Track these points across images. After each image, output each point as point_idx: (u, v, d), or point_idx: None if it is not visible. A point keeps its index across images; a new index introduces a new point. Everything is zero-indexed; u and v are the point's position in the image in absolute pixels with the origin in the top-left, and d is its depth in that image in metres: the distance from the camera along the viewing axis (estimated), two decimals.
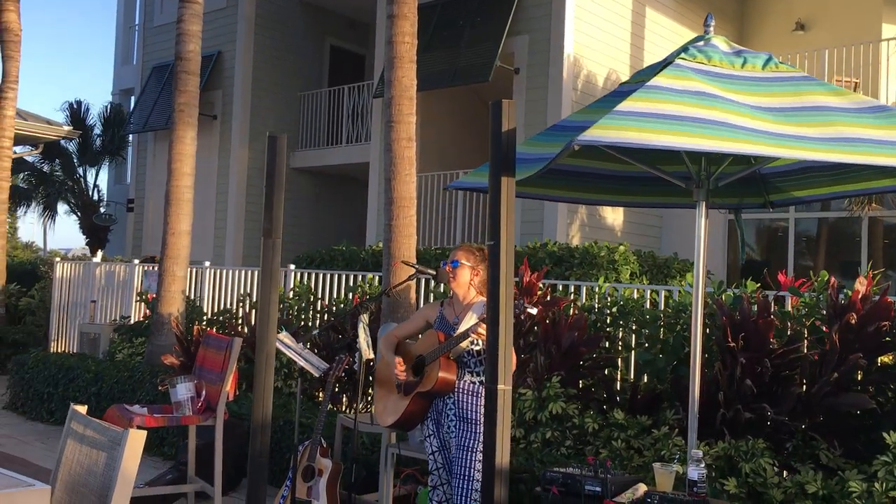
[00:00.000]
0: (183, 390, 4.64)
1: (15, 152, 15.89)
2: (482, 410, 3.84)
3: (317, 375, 4.00)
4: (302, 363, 3.93)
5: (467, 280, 3.96)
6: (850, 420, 5.03)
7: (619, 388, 6.29)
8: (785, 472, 4.99)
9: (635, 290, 6.76)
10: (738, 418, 5.12)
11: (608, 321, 6.40)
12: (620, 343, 6.40)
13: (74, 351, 10.39)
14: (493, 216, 3.05)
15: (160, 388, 5.62)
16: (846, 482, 4.32)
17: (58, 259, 12.13)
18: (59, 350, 11.15)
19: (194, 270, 10.21)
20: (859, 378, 5.07)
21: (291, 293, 8.30)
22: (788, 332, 5.46)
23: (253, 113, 14.48)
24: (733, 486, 4.59)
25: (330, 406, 5.60)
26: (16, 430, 7.57)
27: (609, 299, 6.50)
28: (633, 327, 6.30)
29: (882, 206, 11.34)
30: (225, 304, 9.64)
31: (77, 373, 7.71)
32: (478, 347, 3.79)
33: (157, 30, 16.28)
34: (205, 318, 9.42)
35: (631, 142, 2.67)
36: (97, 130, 19.44)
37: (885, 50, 11.53)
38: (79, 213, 19.57)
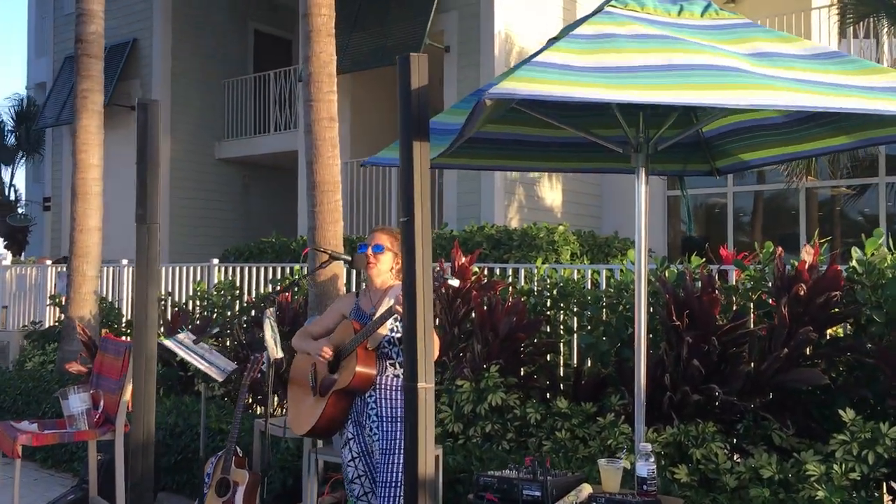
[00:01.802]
0: (76, 402, 4.14)
1: None
2: None
3: (218, 380, 3.57)
4: (201, 366, 3.49)
5: (389, 266, 3.55)
6: (802, 397, 4.77)
7: (562, 374, 5.97)
8: (737, 456, 4.71)
9: (575, 271, 6.45)
10: (685, 401, 4.83)
11: (548, 304, 6.07)
12: (562, 327, 6.07)
13: None
14: (405, 188, 2.64)
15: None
16: (803, 465, 4.05)
17: None
18: None
19: (112, 270, 9.61)
20: (809, 353, 4.81)
21: (215, 290, 7.78)
22: (734, 308, 5.19)
23: (174, 102, 13.80)
24: (684, 475, 4.30)
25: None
26: None
27: (548, 281, 6.16)
28: (575, 310, 5.97)
29: (818, 178, 11.27)
30: None
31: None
32: (399, 335, 3.39)
33: (68, 18, 15.37)
34: (123, 320, 8.84)
35: (548, 94, 2.30)
36: (10, 126, 18.47)
37: (817, 19, 11.44)
38: None
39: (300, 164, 12.21)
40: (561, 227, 8.95)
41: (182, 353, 3.54)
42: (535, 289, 6.20)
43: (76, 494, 4.63)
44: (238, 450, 4.25)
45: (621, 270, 5.79)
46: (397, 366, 3.48)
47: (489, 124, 3.45)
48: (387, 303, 3.44)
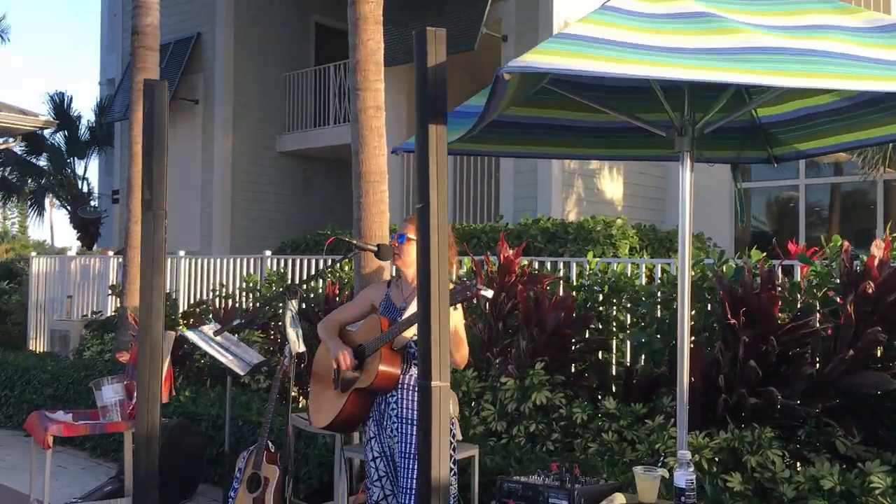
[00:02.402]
0: (109, 393, 4.09)
1: None
2: None
3: (241, 374, 3.46)
4: (223, 359, 3.38)
5: (415, 256, 3.37)
6: (870, 402, 4.43)
7: (614, 373, 5.72)
8: (798, 464, 4.40)
9: (629, 265, 6.17)
10: (742, 404, 4.54)
11: (600, 300, 5.82)
12: (615, 324, 5.82)
13: (45, 349, 9.90)
14: (420, 172, 2.47)
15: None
16: (867, 475, 3.74)
17: (33, 254, 11.63)
18: (38, 349, 10.67)
19: (169, 260, 9.68)
20: (879, 355, 4.47)
21: (266, 282, 7.74)
22: (798, 306, 4.87)
23: (236, 95, 13.89)
24: (738, 483, 4.02)
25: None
26: None
27: (600, 276, 5.91)
28: (628, 306, 5.71)
29: None
30: (203, 295, 9.10)
31: (33, 374, 7.20)
32: None
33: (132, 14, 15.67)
34: (179, 310, 8.89)
35: (570, 68, 2.08)
36: (89, 121, 18.95)
37: None
38: (68, 207, 19.10)
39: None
40: (619, 221, 8.65)
41: (204, 346, 3.44)
42: (587, 283, 5.96)
43: (113, 486, 4.61)
44: (270, 445, 4.15)
45: (676, 265, 5.49)
46: None
47: (519, 107, 3.24)
48: (416, 305, 3.28)
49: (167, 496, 5.15)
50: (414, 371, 3.30)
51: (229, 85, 13.88)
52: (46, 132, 18.44)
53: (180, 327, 3.76)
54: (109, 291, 9.63)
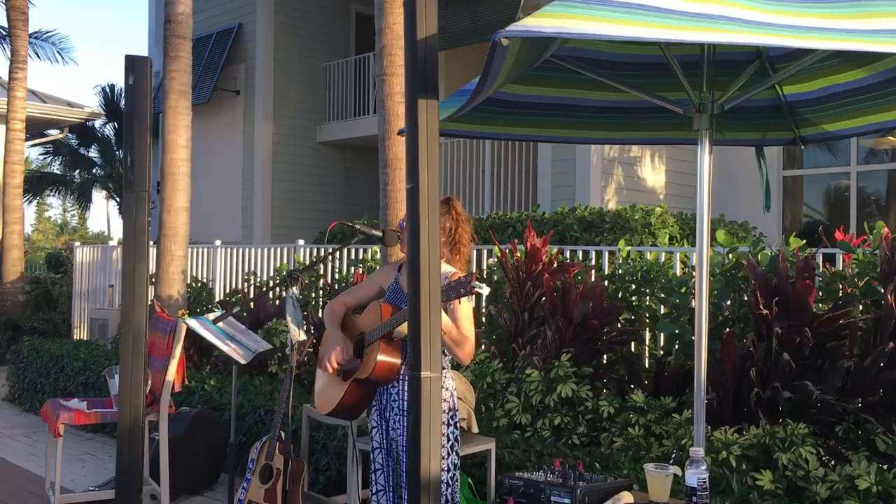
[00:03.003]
0: None
1: (47, 134, 15.67)
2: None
3: (242, 362, 3.37)
4: (223, 347, 3.30)
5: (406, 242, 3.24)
6: None
7: (647, 365, 5.54)
8: (835, 463, 4.18)
9: (662, 254, 5.96)
10: (776, 399, 4.33)
11: (632, 290, 5.63)
12: (647, 314, 5.62)
13: (85, 338, 10.03)
14: (410, 151, 2.33)
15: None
16: None
17: (77, 244, 11.80)
18: (81, 338, 10.82)
19: (205, 250, 9.72)
20: None
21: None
22: (840, 295, 4.62)
23: (276, 86, 13.90)
24: (768, 482, 3.82)
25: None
26: (7, 423, 7.17)
27: (633, 265, 5.71)
28: (661, 296, 5.51)
29: None
30: (238, 284, 9.12)
31: (66, 362, 7.26)
32: None
33: None
34: (216, 299, 8.92)
35: (572, 31, 1.92)
36: None
37: None
38: (117, 199, 19.40)
39: None
40: (658, 209, 8.41)
41: (204, 333, 3.37)
42: (619, 272, 5.77)
43: None
44: (283, 435, 4.06)
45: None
46: None
47: (522, 85, 3.08)
48: None
49: (189, 484, 5.13)
50: None
51: (269, 75, 13.90)
52: (98, 124, 18.76)
53: (182, 315, 3.70)
54: (150, 280, 9.69)
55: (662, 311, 5.52)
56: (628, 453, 4.34)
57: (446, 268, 3.21)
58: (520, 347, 5.41)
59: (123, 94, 2.50)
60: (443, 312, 2.98)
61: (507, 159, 10.83)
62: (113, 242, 11.52)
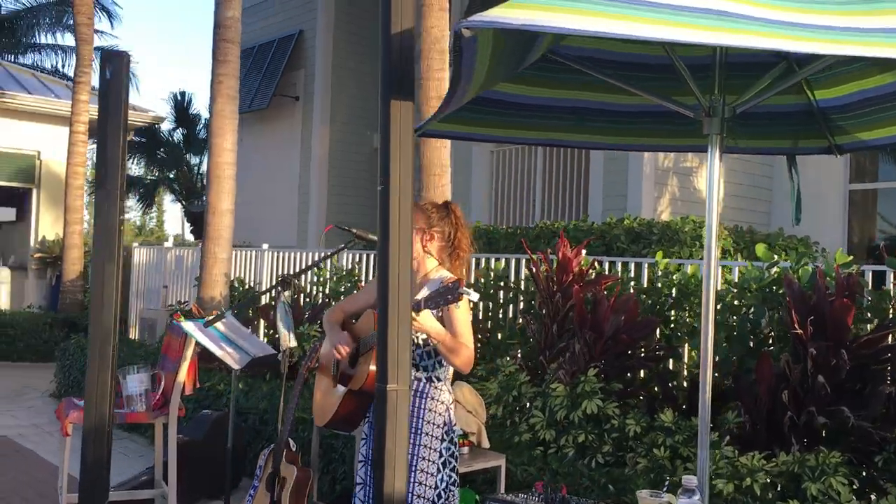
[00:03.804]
0: (134, 383, 4.04)
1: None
2: (427, 416, 3.03)
3: (235, 367, 3.30)
4: (218, 352, 3.24)
5: (419, 247, 3.13)
6: None
7: (682, 383, 5.30)
8: (876, 496, 3.90)
9: (702, 267, 5.70)
10: (811, 423, 4.07)
11: (669, 304, 5.40)
12: (685, 330, 5.38)
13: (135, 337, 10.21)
14: (382, 151, 2.22)
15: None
16: None
17: (135, 244, 12.05)
18: (136, 337, 11.02)
19: (252, 253, 9.79)
20: None
21: (335, 276, 7.67)
22: (891, 315, 4.34)
23: (334, 92, 13.98)
24: None
25: None
26: (47, 419, 7.30)
27: (671, 278, 5.49)
28: (698, 311, 5.27)
29: None
30: None
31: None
32: (424, 336, 2.96)
33: (248, 11, 16.05)
34: (262, 303, 8.95)
35: (543, 24, 1.77)
36: (206, 119, 19.66)
37: None
38: (183, 202, 19.83)
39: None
40: None
41: (199, 337, 3.33)
42: (657, 286, 5.55)
43: (148, 475, 4.58)
44: (291, 443, 3.99)
45: (746, 267, 5.02)
46: (420, 368, 3.05)
47: (521, 85, 2.93)
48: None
49: (209, 488, 5.10)
50: (413, 373, 3.05)
51: (327, 81, 14.00)
52: (167, 130, 19.24)
53: (178, 318, 3.66)
54: (195, 283, 9.81)
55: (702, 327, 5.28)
56: (650, 476, 4.14)
57: (445, 273, 3.09)
58: (548, 361, 5.24)
59: (102, 90, 2.45)
60: (435, 320, 2.86)
61: (559, 168, 10.64)
62: (168, 244, 11.72)
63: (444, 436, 3.03)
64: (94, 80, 13.23)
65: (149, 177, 20.14)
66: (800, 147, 3.38)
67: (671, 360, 5.29)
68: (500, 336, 6.47)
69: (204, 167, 23.35)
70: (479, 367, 5.83)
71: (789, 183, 3.28)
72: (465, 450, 3.81)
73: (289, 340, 3.13)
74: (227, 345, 3.43)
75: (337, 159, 13.92)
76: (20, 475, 5.46)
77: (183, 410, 4.17)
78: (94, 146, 16.66)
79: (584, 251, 6.17)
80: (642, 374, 5.33)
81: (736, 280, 5.25)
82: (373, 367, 2.94)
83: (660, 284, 5.53)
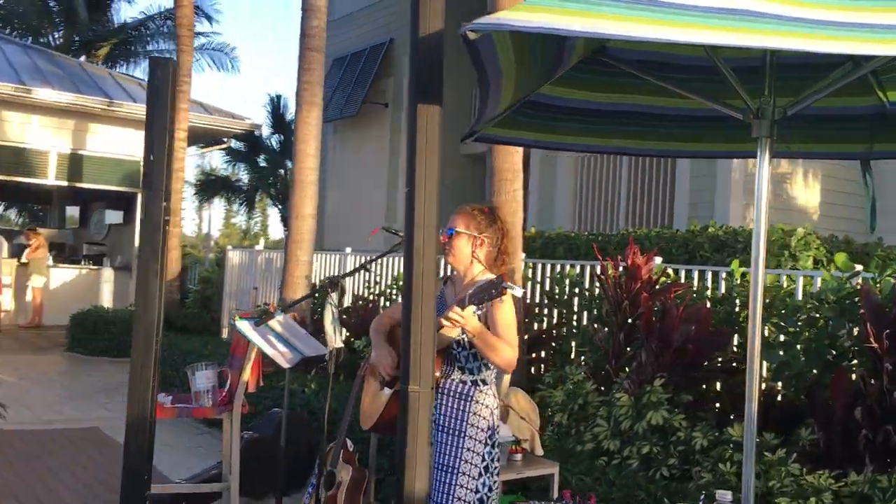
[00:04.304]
0: (201, 379, 4.19)
1: (221, 142, 16.65)
2: (471, 420, 3.02)
3: (284, 366, 3.37)
4: (268, 351, 3.32)
5: (468, 252, 3.13)
6: None
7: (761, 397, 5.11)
8: None
9: (784, 277, 5.49)
10: (888, 443, 3.86)
11: (744, 314, 5.22)
12: (762, 342, 5.19)
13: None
14: (409, 155, 2.24)
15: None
16: None
17: (229, 247, 12.46)
18: (228, 336, 11.39)
19: (336, 257, 9.99)
20: None
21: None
22: None
23: None
24: None
25: None
26: None
27: (746, 287, 5.30)
28: (777, 322, 5.08)
29: None
30: (365, 291, 9.29)
31: (193, 358, 7.64)
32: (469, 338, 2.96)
33: (336, 23, 16.38)
34: (344, 305, 9.12)
35: (550, 26, 1.75)
36: None
37: None
38: (280, 206, 20.39)
39: (532, 158, 11.94)
40: (800, 230, 7.77)
41: (251, 336, 3.41)
42: (732, 295, 5.38)
43: (218, 469, 4.72)
44: (349, 443, 4.05)
45: (823, 278, 4.81)
46: (465, 371, 3.05)
47: (565, 88, 2.88)
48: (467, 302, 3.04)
49: (278, 486, 5.22)
50: (457, 375, 3.05)
51: None
52: (266, 135, 19.84)
53: (234, 318, 3.77)
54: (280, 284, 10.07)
55: (782, 339, 5.09)
56: (711, 491, 4.00)
57: (488, 278, 3.08)
58: (615, 370, 5.15)
59: (146, 95, 2.53)
60: (475, 317, 2.86)
61: (644, 174, 10.43)
62: (259, 247, 12.07)
63: (488, 440, 3.02)
64: (194, 91, 13.83)
65: (250, 182, 20.81)
66: (875, 151, 3.21)
67: (745, 374, 5.10)
68: (573, 344, 6.40)
69: None
70: (546, 375, 5.78)
71: (864, 189, 3.13)
72: (518, 457, 3.78)
73: (335, 340, 3.18)
74: (281, 344, 3.51)
75: None
76: (108, 465, 5.72)
77: (247, 407, 4.30)
78: (196, 153, 17.36)
79: (658, 258, 6.06)
80: (717, 386, 5.18)
81: (797, 290, 5.04)
82: None
83: (734, 294, 5.35)
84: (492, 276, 3.12)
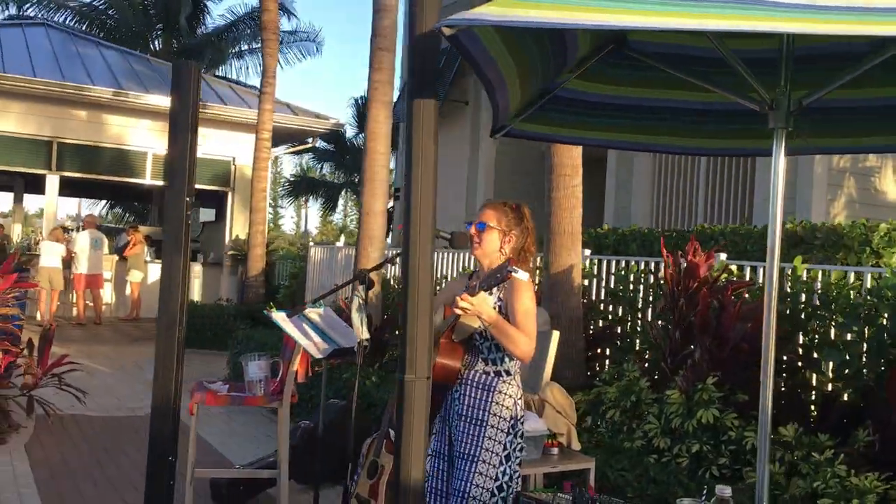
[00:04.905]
0: (254, 369, 4.35)
1: (306, 142, 17.10)
2: (493, 409, 3.05)
3: (316, 356, 3.48)
4: (302, 342, 3.43)
5: (496, 247, 3.16)
6: None
7: (819, 397, 4.95)
8: None
9: (851, 273, 5.29)
10: None
11: (806, 313, 5.07)
12: (826, 341, 5.03)
13: None
14: (407, 151, 2.30)
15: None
16: None
17: (311, 243, 12.78)
18: None
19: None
20: None
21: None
22: None
23: None
24: None
25: None
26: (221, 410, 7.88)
27: (808, 284, 5.14)
28: (840, 320, 4.91)
29: None
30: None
31: (267, 349, 7.89)
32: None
33: None
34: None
35: (526, 20, 1.78)
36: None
37: None
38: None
39: (608, 153, 11.81)
40: (884, 225, 7.45)
41: (285, 326, 3.53)
42: (794, 292, 5.21)
43: (274, 457, 4.89)
44: (391, 433, 4.14)
45: (888, 273, 4.62)
46: (488, 361, 3.08)
47: (586, 82, 2.87)
48: (490, 294, 3.08)
49: (332, 474, 5.37)
50: (479, 365, 3.09)
51: None
52: (349, 135, 20.24)
53: (268, 310, 3.89)
54: None
55: (849, 338, 4.92)
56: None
57: (525, 275, 3.09)
58: (670, 367, 5.08)
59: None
60: (489, 305, 2.89)
61: (723, 169, 10.17)
62: (339, 243, 12.33)
63: (511, 429, 3.05)
64: (278, 91, 14.25)
65: (336, 181, 21.27)
66: None
67: (806, 372, 4.96)
68: (636, 341, 6.33)
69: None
70: (604, 372, 5.74)
71: None
72: (555, 450, 3.79)
73: (362, 333, 3.27)
74: (317, 335, 3.63)
75: (504, 164, 14.06)
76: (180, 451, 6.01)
77: (296, 397, 4.44)
78: (285, 154, 17.86)
79: (722, 255, 5.93)
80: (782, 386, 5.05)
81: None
82: (438, 359, 3.02)
83: (801, 291, 5.19)
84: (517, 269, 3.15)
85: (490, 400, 3.04)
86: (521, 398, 3.13)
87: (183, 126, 2.60)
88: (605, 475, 4.13)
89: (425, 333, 2.29)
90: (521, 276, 2.78)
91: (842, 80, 2.43)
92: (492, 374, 3.08)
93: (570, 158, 6.00)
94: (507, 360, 3.10)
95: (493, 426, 3.02)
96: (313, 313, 3.66)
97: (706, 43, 2.75)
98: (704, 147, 3.41)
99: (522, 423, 3.11)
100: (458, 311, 2.85)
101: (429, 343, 2.30)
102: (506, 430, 3.05)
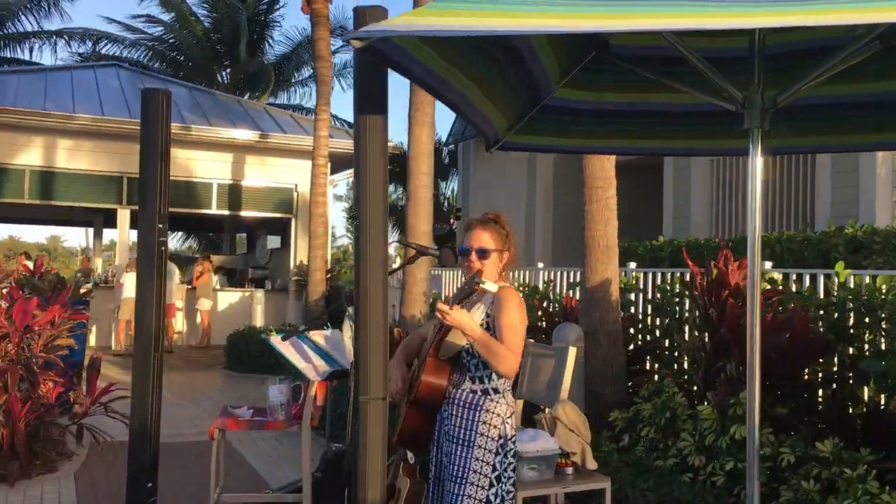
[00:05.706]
0: (275, 393, 4.35)
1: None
2: (480, 429, 2.97)
3: (313, 379, 3.45)
4: (298, 365, 3.41)
5: (497, 269, 3.09)
6: None
7: (864, 410, 4.69)
8: None
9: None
10: None
11: (851, 320, 4.82)
12: (868, 350, 4.77)
13: None
14: (356, 165, 2.28)
15: None
16: None
17: None
18: None
19: (458, 273, 10.08)
20: None
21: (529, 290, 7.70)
22: None
23: None
24: None
25: None
26: None
27: (853, 290, 4.89)
28: (885, 327, 4.65)
29: None
30: None
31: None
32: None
33: None
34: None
35: (437, 29, 1.73)
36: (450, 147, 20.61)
37: None
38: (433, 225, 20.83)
39: (665, 165, 11.56)
40: None
41: (281, 350, 3.52)
42: (842, 299, 4.96)
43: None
44: (409, 456, 4.09)
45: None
46: (475, 380, 3.01)
47: (570, 90, 2.79)
48: (477, 308, 3.02)
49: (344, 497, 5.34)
50: (467, 384, 3.01)
51: None
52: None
53: (268, 334, 3.88)
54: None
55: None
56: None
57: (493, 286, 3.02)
58: (703, 381, 4.88)
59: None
60: (468, 316, 2.82)
61: (783, 173, 9.83)
62: (394, 265, 12.36)
63: (500, 449, 2.96)
64: (343, 115, 14.43)
65: (399, 203, 21.41)
66: (885, 142, 2.90)
67: (848, 384, 4.70)
68: (678, 354, 6.13)
69: (447, 192, 24.39)
70: (642, 388, 5.56)
71: None
72: (570, 470, 3.67)
73: (353, 354, 3.23)
74: (319, 357, 3.61)
75: (561, 181, 13.93)
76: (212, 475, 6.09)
77: (315, 420, 4.43)
78: (347, 178, 18.08)
79: (767, 263, 5.71)
80: (818, 398, 4.80)
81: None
82: (424, 377, 2.96)
83: (845, 299, 4.93)
84: (504, 283, 3.07)
85: (477, 420, 2.97)
86: (511, 416, 3.04)
87: (153, 151, 2.63)
88: (626, 496, 3.98)
89: (378, 354, 2.24)
90: (489, 287, 2.71)
91: (816, 73, 2.30)
92: (479, 393, 3.01)
93: (603, 170, 5.86)
94: (494, 377, 3.02)
95: (480, 446, 2.95)
96: (318, 336, 3.65)
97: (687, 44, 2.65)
98: (697, 148, 3.28)
99: (514, 443, 3.03)
100: (439, 315, 2.79)
101: (383, 363, 2.26)
102: (494, 451, 2.96)
